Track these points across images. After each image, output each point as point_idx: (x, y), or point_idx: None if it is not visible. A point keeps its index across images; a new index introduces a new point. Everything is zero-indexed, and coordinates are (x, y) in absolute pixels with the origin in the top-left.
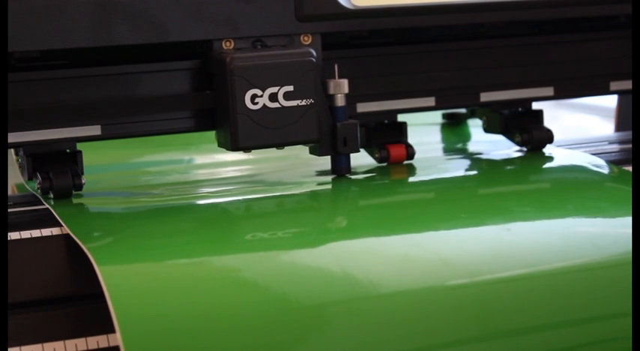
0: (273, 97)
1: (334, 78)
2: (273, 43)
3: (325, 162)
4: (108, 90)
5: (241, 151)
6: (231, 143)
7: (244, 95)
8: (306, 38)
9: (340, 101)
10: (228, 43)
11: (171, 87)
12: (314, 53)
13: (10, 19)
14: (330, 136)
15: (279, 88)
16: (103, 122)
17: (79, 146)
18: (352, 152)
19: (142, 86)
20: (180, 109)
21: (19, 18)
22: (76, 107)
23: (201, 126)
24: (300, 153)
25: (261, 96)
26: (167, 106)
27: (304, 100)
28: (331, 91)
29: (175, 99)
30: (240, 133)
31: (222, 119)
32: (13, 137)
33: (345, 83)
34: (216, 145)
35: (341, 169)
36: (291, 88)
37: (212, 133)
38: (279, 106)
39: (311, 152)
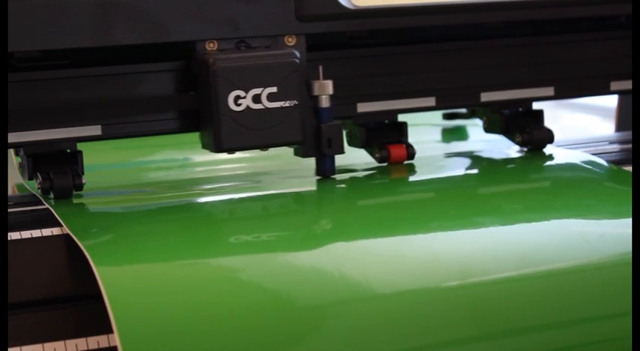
0: (256, 99)
1: (319, 79)
2: (257, 44)
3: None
4: (108, 90)
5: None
6: (215, 145)
7: (227, 97)
8: (290, 39)
9: (325, 102)
10: (211, 44)
11: (155, 88)
12: (297, 54)
13: (10, 19)
14: (314, 137)
15: (262, 89)
16: (104, 122)
17: (79, 146)
18: (337, 153)
19: (125, 87)
20: (164, 111)
21: (19, 18)
22: (76, 107)
23: (185, 127)
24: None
25: (245, 97)
26: (151, 107)
27: (288, 102)
28: (316, 93)
29: (159, 100)
30: (224, 134)
31: (205, 121)
32: (13, 137)
33: (329, 84)
34: None
35: (325, 170)
36: (274, 89)
37: None
38: (263, 107)
39: (295, 154)
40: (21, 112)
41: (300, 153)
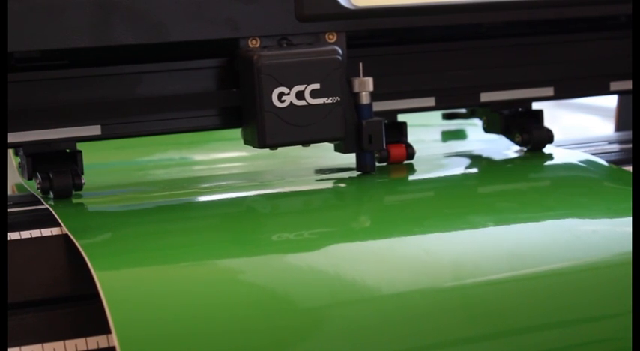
0: (299, 95)
1: (359, 76)
2: (299, 42)
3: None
4: (110, 90)
5: (268, 149)
6: (259, 141)
7: (271, 93)
8: (331, 36)
9: (365, 99)
10: (254, 42)
11: (196, 85)
12: (340, 51)
13: (10, 19)
14: (355, 133)
15: (305, 86)
16: (108, 122)
17: (79, 146)
18: (377, 149)
19: (166, 84)
20: (206, 107)
21: (19, 18)
22: (76, 107)
23: (227, 123)
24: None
25: (288, 94)
26: (194, 104)
27: (330, 98)
28: (356, 89)
29: (202, 97)
30: (268, 130)
31: (248, 117)
32: (13, 137)
33: (369, 81)
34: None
35: (366, 166)
36: (317, 86)
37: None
38: (306, 103)
39: (336, 150)
40: (21, 112)
41: (341, 149)
